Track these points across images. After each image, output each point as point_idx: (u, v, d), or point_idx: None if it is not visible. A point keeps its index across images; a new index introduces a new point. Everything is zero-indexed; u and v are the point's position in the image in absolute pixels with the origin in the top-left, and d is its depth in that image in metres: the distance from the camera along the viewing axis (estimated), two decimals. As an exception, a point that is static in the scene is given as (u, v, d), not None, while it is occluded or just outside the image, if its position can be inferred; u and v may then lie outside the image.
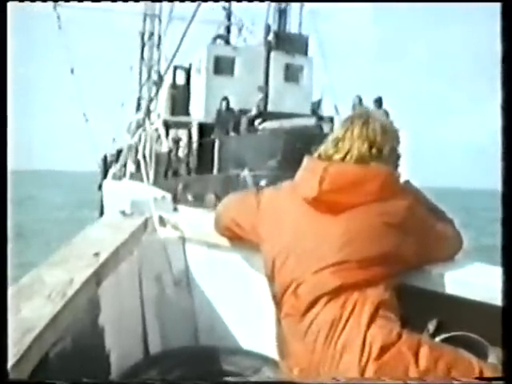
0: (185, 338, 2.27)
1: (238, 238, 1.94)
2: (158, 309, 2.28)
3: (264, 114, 14.66)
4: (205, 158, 13.92)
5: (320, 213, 1.63)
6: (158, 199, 2.42)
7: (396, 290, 1.61)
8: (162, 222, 2.34)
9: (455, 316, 1.66)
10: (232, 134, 14.17)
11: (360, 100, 13.14)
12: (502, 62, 1.33)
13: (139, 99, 26.84)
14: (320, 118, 14.05)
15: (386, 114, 12.74)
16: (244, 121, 14.42)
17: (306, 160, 1.73)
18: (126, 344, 2.04)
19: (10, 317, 1.28)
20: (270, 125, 13.69)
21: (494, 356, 1.59)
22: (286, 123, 13.47)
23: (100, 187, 20.14)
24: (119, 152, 20.49)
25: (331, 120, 14.75)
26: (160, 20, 27.09)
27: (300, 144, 10.79)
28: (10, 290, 1.48)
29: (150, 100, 26.27)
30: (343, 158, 1.67)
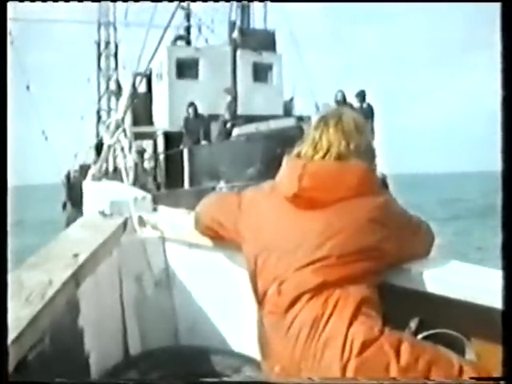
0: (165, 339, 2.26)
1: (219, 238, 1.94)
2: (137, 309, 2.26)
3: (237, 118, 13.40)
4: (173, 170, 12.87)
5: (300, 210, 1.65)
6: (138, 199, 2.41)
7: (378, 288, 1.62)
8: (141, 222, 2.32)
9: (436, 314, 1.68)
10: (203, 142, 13.02)
11: (343, 95, 12.30)
12: (502, 61, 1.34)
13: (99, 111, 26.39)
14: (299, 119, 12.69)
15: (371, 108, 12.13)
16: (215, 127, 13.27)
17: (285, 159, 1.75)
18: (105, 345, 2.03)
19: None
20: (244, 130, 12.37)
21: (471, 352, 1.63)
22: (263, 126, 12.21)
23: (64, 205, 19.43)
24: (82, 167, 19.83)
25: (310, 119, 13.33)
26: (115, 28, 26.71)
27: (280, 149, 9.25)
28: None
29: (109, 111, 25.51)
30: (323, 157, 1.69)
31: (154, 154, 14.41)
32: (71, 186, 18.85)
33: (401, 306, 1.70)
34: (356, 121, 1.75)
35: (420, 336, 1.64)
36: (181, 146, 13.12)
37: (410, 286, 1.71)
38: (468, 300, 1.59)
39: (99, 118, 26.19)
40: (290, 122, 12.65)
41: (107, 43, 27.46)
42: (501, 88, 1.32)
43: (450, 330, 1.64)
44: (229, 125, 13.01)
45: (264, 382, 1.78)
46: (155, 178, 13.66)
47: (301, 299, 1.55)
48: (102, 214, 2.37)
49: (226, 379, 2.02)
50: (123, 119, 3.66)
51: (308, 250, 1.58)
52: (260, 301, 1.66)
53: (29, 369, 1.34)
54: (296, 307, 1.56)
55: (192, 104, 13.42)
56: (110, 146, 3.70)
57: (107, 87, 25.73)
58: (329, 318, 1.52)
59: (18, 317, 1.32)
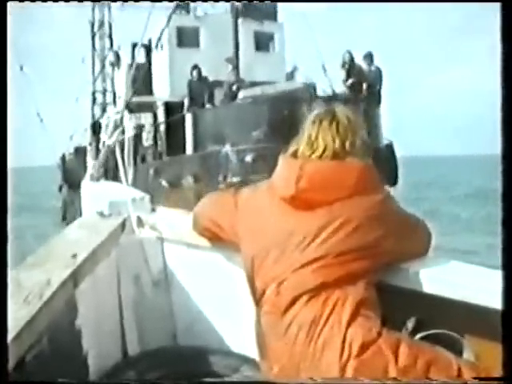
0: (163, 339, 2.26)
1: (217, 238, 1.94)
2: (136, 309, 2.27)
3: (242, 81, 12.91)
4: (175, 138, 12.46)
5: (298, 210, 1.64)
6: (136, 200, 2.40)
7: (376, 289, 1.62)
8: (139, 222, 2.32)
9: (434, 314, 1.68)
10: (208, 105, 12.58)
11: (351, 56, 11.92)
12: (502, 61, 1.34)
13: (94, 93, 26.06)
14: (306, 84, 12.35)
15: (379, 71, 11.96)
16: (218, 92, 12.90)
17: (281, 159, 1.75)
18: (104, 345, 2.03)
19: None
20: (250, 92, 11.97)
21: (469, 352, 1.63)
22: (269, 88, 11.90)
23: (60, 188, 19.32)
24: (77, 150, 19.43)
25: (315, 86, 12.89)
26: (109, 8, 26.29)
27: (287, 110, 9.70)
28: None
29: (104, 92, 25.06)
30: (320, 157, 1.68)
31: (154, 124, 13.85)
32: (67, 168, 18.67)
33: (398, 306, 1.70)
34: (350, 118, 1.75)
35: (418, 336, 1.64)
36: (184, 112, 12.79)
37: (407, 285, 1.72)
38: (465, 300, 1.59)
39: (94, 99, 25.92)
40: (296, 85, 12.40)
41: (101, 23, 27.05)
42: (500, 90, 1.31)
43: (448, 330, 1.65)
44: (234, 87, 12.61)
45: (263, 381, 1.79)
46: (156, 147, 13.27)
47: (299, 300, 1.55)
48: (101, 214, 2.37)
49: (225, 379, 2.03)
50: (122, 119, 3.64)
51: (306, 250, 1.59)
52: (258, 301, 1.66)
53: (27, 369, 1.35)
54: (295, 308, 1.56)
55: (196, 67, 13.02)
56: (109, 147, 3.69)
57: (102, 68, 25.35)
58: (327, 319, 1.52)
59: (16, 317, 1.32)
